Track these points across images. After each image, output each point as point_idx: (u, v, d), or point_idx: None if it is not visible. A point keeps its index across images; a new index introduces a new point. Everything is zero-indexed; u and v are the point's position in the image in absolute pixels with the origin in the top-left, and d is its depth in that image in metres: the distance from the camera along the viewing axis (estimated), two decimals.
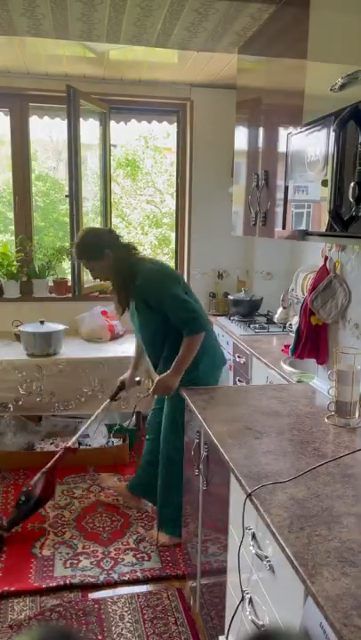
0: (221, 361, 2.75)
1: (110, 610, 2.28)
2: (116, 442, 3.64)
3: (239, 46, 2.89)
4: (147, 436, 2.94)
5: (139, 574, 2.50)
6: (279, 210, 2.29)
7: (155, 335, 2.62)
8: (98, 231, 2.74)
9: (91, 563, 2.58)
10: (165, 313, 2.50)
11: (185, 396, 2.18)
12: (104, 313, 3.91)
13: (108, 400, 2.96)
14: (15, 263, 3.97)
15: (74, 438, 2.97)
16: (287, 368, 2.63)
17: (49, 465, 2.80)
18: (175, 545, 2.68)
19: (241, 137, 3.02)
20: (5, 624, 2.20)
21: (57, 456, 2.84)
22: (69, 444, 2.92)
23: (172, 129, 4.33)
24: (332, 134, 1.51)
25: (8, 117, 3.92)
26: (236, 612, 1.56)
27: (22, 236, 4.03)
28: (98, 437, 3.62)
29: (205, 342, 2.54)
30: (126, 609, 2.29)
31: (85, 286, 3.84)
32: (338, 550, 1.16)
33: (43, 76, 3.78)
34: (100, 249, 2.55)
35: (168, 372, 2.52)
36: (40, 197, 6.21)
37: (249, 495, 1.38)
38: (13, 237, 4.14)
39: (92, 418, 2.99)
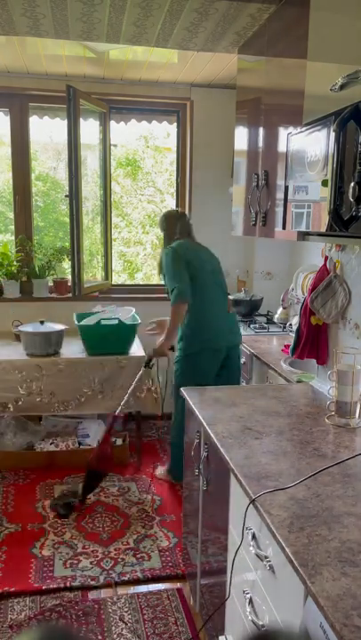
0: (209, 345, 3.00)
1: (110, 610, 2.28)
2: (117, 442, 3.64)
3: (239, 46, 2.89)
4: None
5: (139, 574, 2.50)
6: (279, 210, 2.29)
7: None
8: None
9: (91, 563, 2.58)
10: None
11: (185, 396, 2.19)
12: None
13: (142, 368, 3.23)
14: (15, 263, 3.97)
15: (122, 402, 3.20)
16: (287, 368, 2.63)
17: (101, 437, 3.19)
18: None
19: (241, 137, 3.02)
20: (5, 624, 2.20)
21: (107, 426, 3.22)
22: (116, 412, 3.20)
23: (172, 129, 4.33)
24: (332, 134, 1.51)
25: (8, 117, 3.92)
26: (224, 604, 1.55)
27: (22, 236, 4.03)
28: (98, 437, 3.61)
29: (194, 321, 3.01)
30: (126, 609, 2.29)
31: (85, 286, 3.84)
32: (338, 550, 1.16)
33: (43, 76, 3.78)
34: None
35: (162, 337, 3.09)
36: (40, 197, 6.20)
37: (253, 501, 1.37)
38: (13, 237, 4.14)
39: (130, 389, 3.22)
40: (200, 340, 3.01)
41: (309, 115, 1.83)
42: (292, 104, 2.14)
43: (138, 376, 3.21)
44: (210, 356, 3.02)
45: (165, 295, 3.19)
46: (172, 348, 3.12)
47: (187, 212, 4.17)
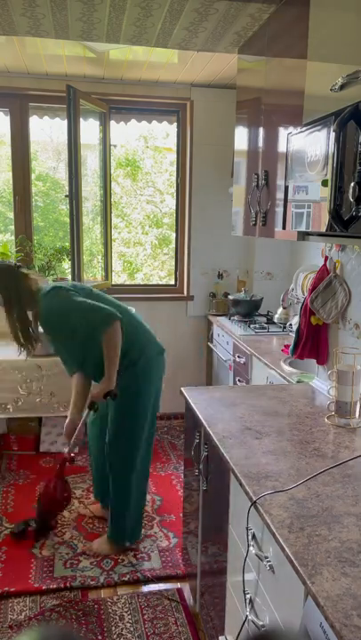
0: (157, 349, 2.63)
1: (110, 610, 2.28)
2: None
3: (239, 46, 2.89)
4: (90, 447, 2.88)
5: (139, 574, 2.50)
6: (279, 210, 2.29)
7: (85, 354, 2.54)
8: None
9: (91, 563, 2.58)
10: (79, 331, 2.44)
11: (185, 396, 2.18)
12: None
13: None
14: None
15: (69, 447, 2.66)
16: (287, 368, 2.63)
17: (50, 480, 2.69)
18: (116, 553, 2.64)
19: (241, 137, 3.02)
20: (5, 624, 2.20)
21: (57, 470, 2.69)
22: (66, 452, 2.67)
23: (172, 129, 4.33)
24: (333, 134, 1.51)
25: (8, 117, 3.92)
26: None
27: (22, 236, 4.03)
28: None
29: (133, 336, 2.51)
30: (126, 609, 2.29)
31: None
32: (338, 550, 1.16)
33: (43, 76, 3.78)
34: None
35: (102, 379, 2.44)
36: (40, 197, 6.20)
37: (254, 503, 1.37)
38: (13, 237, 4.14)
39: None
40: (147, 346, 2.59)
41: (309, 115, 1.83)
42: (292, 104, 2.14)
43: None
44: (160, 361, 2.64)
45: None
46: (113, 395, 2.47)
47: (187, 212, 4.18)
